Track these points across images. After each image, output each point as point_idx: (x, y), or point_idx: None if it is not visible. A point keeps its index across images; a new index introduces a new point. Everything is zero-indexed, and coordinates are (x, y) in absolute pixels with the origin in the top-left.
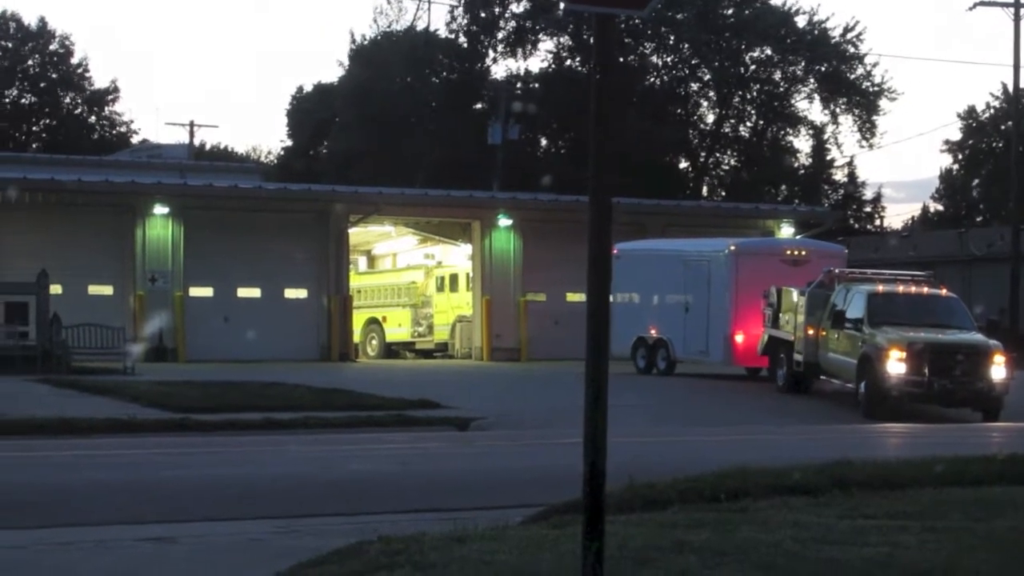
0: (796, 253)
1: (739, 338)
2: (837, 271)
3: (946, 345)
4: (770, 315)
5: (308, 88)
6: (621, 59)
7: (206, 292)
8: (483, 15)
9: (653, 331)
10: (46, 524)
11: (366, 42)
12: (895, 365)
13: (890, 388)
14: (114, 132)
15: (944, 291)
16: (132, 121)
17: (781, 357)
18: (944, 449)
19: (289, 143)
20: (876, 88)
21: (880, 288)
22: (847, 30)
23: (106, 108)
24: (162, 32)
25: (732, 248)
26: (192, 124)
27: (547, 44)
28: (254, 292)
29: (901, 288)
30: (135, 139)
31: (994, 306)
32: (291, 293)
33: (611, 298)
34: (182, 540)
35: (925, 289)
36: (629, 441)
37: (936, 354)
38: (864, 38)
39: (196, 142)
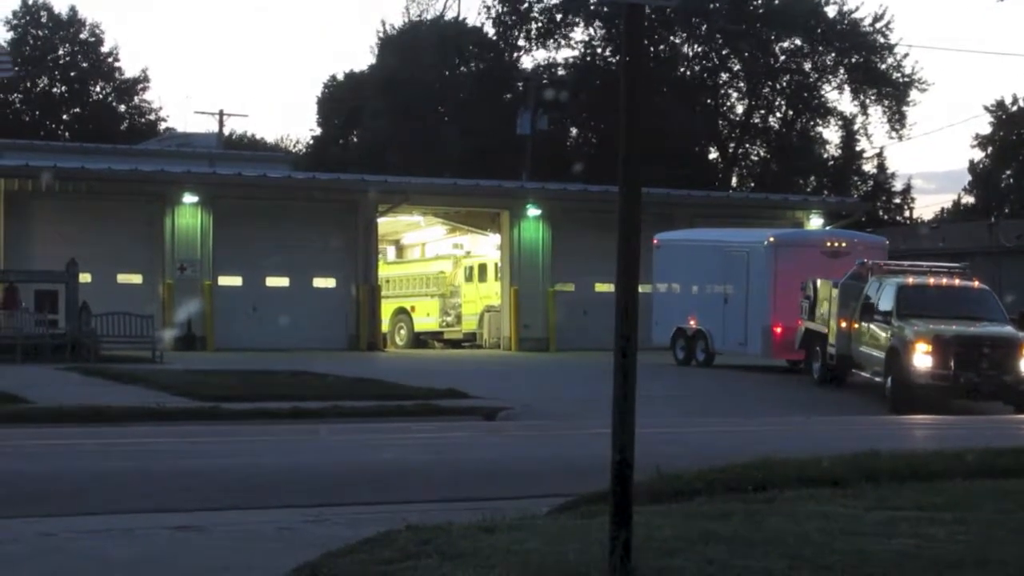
0: (836, 244)
1: (778, 330)
2: (871, 263)
3: (973, 337)
4: (807, 307)
5: (339, 77)
6: (652, 49)
7: (235, 281)
8: (515, 4)
9: (692, 322)
10: (76, 512)
11: (396, 31)
12: (921, 358)
13: (916, 381)
14: (143, 121)
15: (976, 283)
16: (161, 109)
17: (816, 350)
18: (972, 442)
19: (319, 132)
20: (906, 79)
21: (910, 280)
22: (876, 20)
23: (136, 97)
24: (192, 21)
25: (771, 239)
26: (221, 113)
27: (579, 34)
28: (283, 281)
29: (932, 280)
30: (164, 128)
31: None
32: (320, 282)
33: (651, 288)
34: (212, 529)
35: (957, 281)
36: (658, 432)
37: (962, 347)
38: (894, 28)
39: (226, 131)
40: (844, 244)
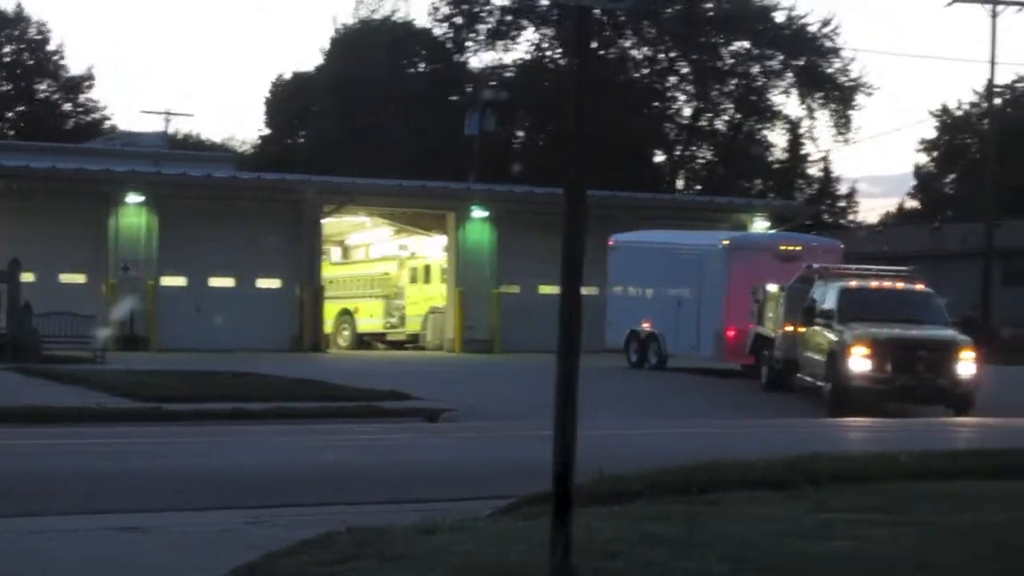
0: (790, 248)
1: (731, 334)
2: (818, 267)
3: (910, 340)
4: (756, 311)
5: (287, 77)
6: (601, 52)
7: (179, 281)
8: (466, 6)
9: (646, 325)
10: (16, 513)
11: (345, 32)
12: (859, 361)
13: (854, 384)
14: (89, 120)
15: (920, 286)
16: (106, 108)
17: (765, 354)
18: (909, 444)
19: (266, 132)
20: (852, 83)
21: (852, 284)
22: (824, 24)
23: (81, 95)
24: (139, 19)
25: (725, 242)
26: (167, 112)
27: (527, 36)
28: (227, 281)
29: (875, 284)
30: (110, 127)
31: (967, 302)
32: (264, 283)
33: (597, 290)
34: (152, 530)
35: (900, 285)
36: (603, 434)
37: (899, 349)
38: (840, 32)
39: (171, 131)
40: (799, 248)
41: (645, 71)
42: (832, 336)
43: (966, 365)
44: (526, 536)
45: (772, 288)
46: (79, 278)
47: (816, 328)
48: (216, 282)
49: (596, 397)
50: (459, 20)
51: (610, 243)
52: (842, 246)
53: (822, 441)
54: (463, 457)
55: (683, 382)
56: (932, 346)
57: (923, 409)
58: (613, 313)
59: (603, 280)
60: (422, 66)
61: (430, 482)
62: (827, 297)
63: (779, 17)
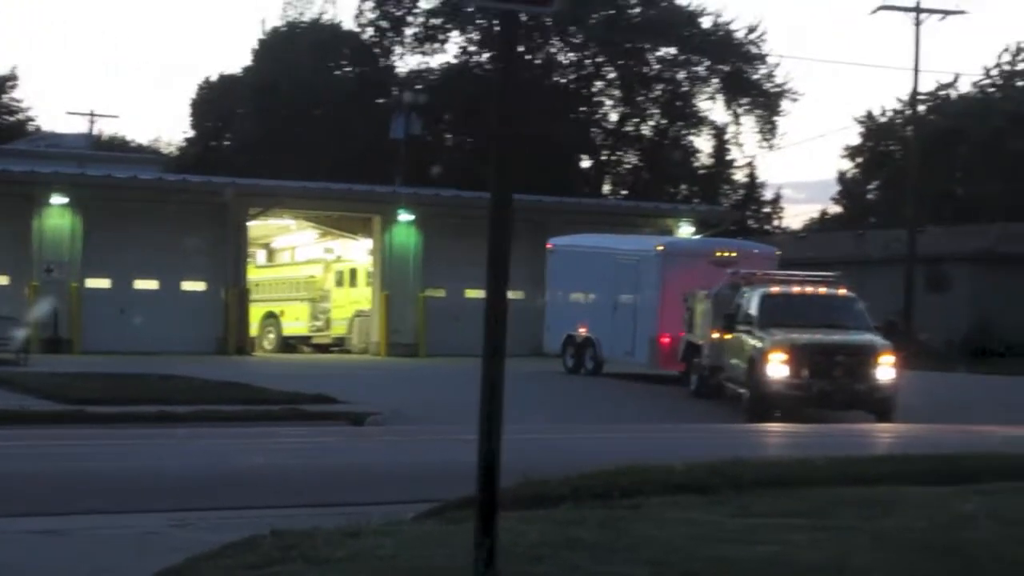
0: (725, 254)
1: (665, 341)
2: (744, 272)
3: (827, 345)
4: (687, 318)
5: (213, 79)
6: (527, 56)
7: (103, 283)
8: (391, 10)
9: (582, 330)
10: None
11: (271, 33)
12: (776, 367)
13: (771, 390)
14: (12, 120)
15: (843, 291)
16: (30, 108)
17: (695, 361)
18: (829, 451)
19: (192, 134)
20: (778, 89)
21: (774, 289)
22: (750, 31)
23: (4, 96)
24: (63, 19)
25: (660, 248)
26: (92, 114)
27: (454, 40)
28: (151, 284)
29: (797, 289)
30: (34, 128)
31: (890, 308)
32: (189, 285)
33: (546, 294)
34: (75, 533)
35: (822, 290)
36: (529, 438)
37: (817, 355)
38: (767, 39)
39: (96, 132)
40: (734, 254)
41: (572, 76)
42: (753, 342)
43: (885, 370)
44: (450, 540)
45: (700, 294)
46: (2, 280)
47: (738, 334)
48: (141, 284)
49: (526, 401)
50: (384, 24)
51: (548, 246)
52: (778, 252)
53: (744, 447)
54: (388, 461)
55: (615, 388)
56: (850, 351)
57: (845, 415)
58: (551, 317)
59: (531, 284)
60: (348, 69)
61: (355, 486)
62: (750, 303)
63: (705, 23)
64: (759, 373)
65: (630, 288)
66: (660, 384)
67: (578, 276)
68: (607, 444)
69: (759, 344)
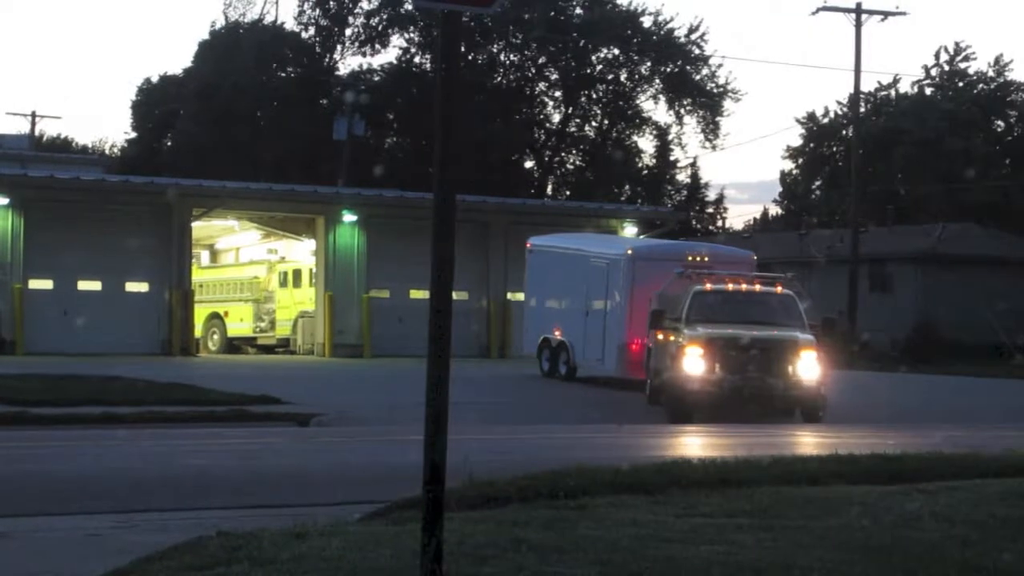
0: (698, 258)
1: (634, 347)
2: (688, 272)
3: (739, 339)
4: (649, 323)
5: (154, 80)
6: (469, 57)
7: (46, 284)
8: (332, 10)
9: (557, 333)
10: None
11: (213, 34)
12: (691, 362)
13: (687, 387)
14: None
15: (779, 288)
16: None
17: (646, 365)
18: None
19: (133, 135)
20: (720, 89)
21: (707, 286)
22: (692, 31)
23: None
24: (5, 18)
25: (629, 251)
26: (34, 115)
27: (396, 40)
28: (95, 285)
29: (730, 286)
30: None
31: (834, 308)
32: (132, 287)
33: (525, 294)
34: (17, 535)
35: (757, 287)
36: (472, 439)
37: (731, 349)
38: (709, 39)
39: (38, 133)
40: (706, 258)
41: (514, 77)
42: (676, 339)
43: (807, 366)
44: (396, 541)
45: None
46: None
47: (669, 333)
48: (84, 285)
49: (478, 403)
50: (325, 24)
51: (527, 246)
52: (754, 256)
53: (680, 447)
54: (334, 462)
55: (578, 391)
56: (765, 345)
57: (773, 416)
58: (528, 318)
59: (476, 285)
60: (291, 70)
61: (301, 487)
62: (683, 301)
63: (646, 23)
64: (675, 370)
65: (601, 292)
66: (628, 390)
67: (554, 277)
68: (559, 446)
69: (679, 341)
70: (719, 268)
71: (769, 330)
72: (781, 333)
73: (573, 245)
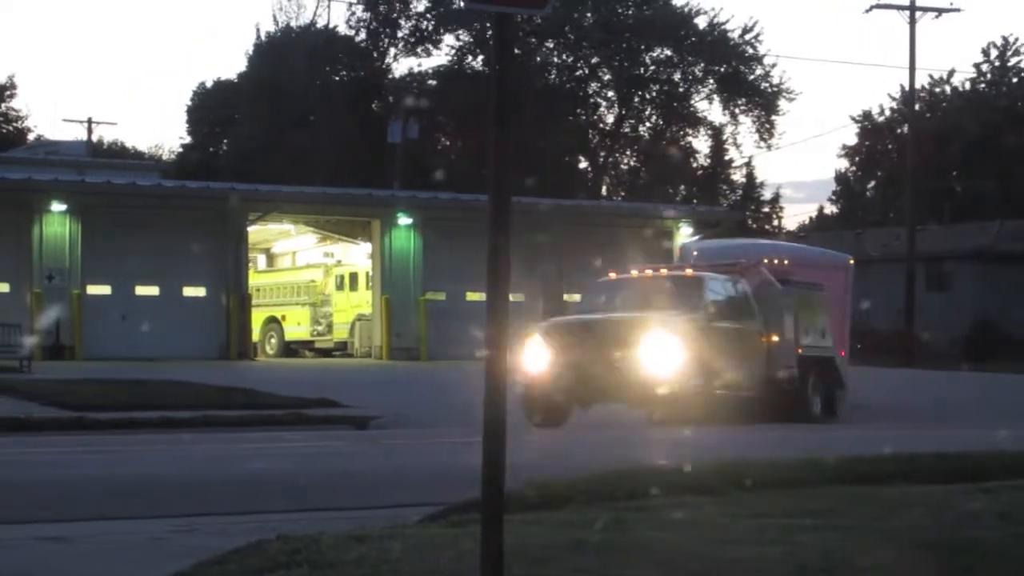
0: (776, 262)
1: None
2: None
3: (572, 324)
4: None
5: (209, 85)
6: (522, 58)
7: (104, 290)
8: (383, 13)
9: None
10: None
11: (266, 39)
12: (532, 353)
13: (529, 385)
14: (11, 129)
15: (688, 271)
16: (28, 117)
17: None
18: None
19: (189, 140)
20: (774, 89)
21: (611, 275)
22: (746, 31)
23: (2, 104)
24: (60, 27)
25: (695, 253)
26: (90, 121)
27: (448, 41)
28: (152, 290)
29: (635, 272)
30: (32, 136)
31: (892, 307)
32: (190, 291)
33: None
34: (79, 539)
35: (663, 271)
36: (530, 439)
37: (563, 336)
38: (763, 39)
39: (94, 139)
40: (786, 261)
41: (567, 78)
42: None
43: (655, 352)
44: (456, 543)
45: None
46: (3, 287)
47: None
48: (142, 290)
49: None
50: (375, 26)
51: (693, 253)
52: (851, 261)
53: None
54: (392, 464)
55: None
56: (606, 330)
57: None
58: None
59: (530, 287)
60: (344, 73)
61: (359, 490)
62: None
63: (700, 23)
64: (523, 364)
65: None
66: None
67: None
68: (603, 445)
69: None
70: (801, 274)
71: (628, 313)
72: (629, 315)
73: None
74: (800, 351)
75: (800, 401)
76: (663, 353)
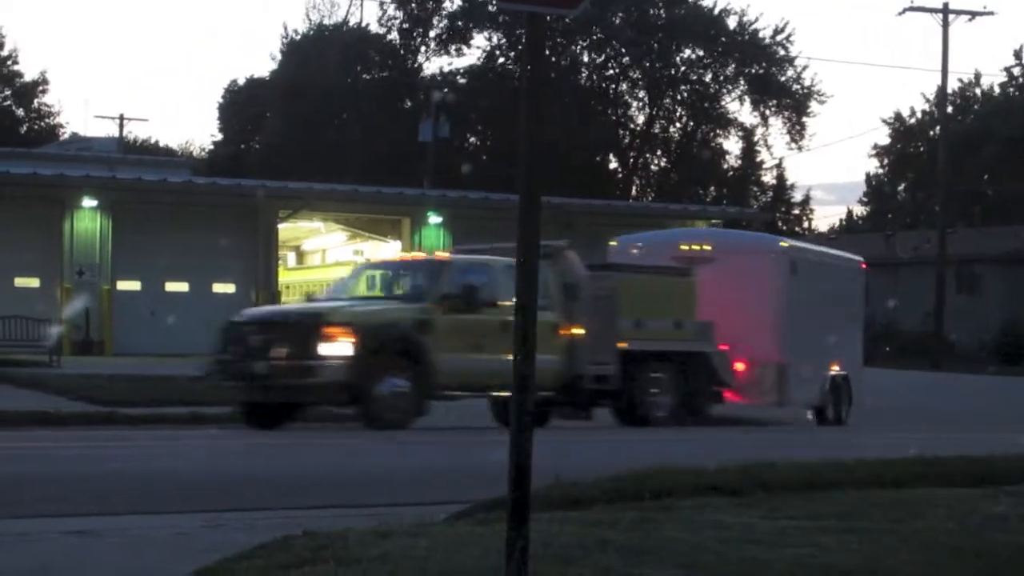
0: (694, 248)
1: None
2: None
3: (238, 323)
4: None
5: (240, 82)
6: (552, 58)
7: (134, 286)
8: (414, 12)
9: None
10: None
11: (299, 37)
12: (215, 346)
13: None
14: (43, 125)
15: (439, 255)
16: (60, 113)
17: None
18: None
19: (220, 137)
20: (805, 90)
21: (374, 259)
22: (777, 32)
23: (35, 100)
24: (92, 24)
25: (613, 243)
26: (122, 117)
27: (479, 41)
28: (182, 286)
29: (394, 257)
30: (64, 132)
31: (920, 310)
32: (219, 288)
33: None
34: (107, 533)
35: (415, 255)
36: (556, 439)
37: (233, 331)
38: (794, 40)
39: (125, 136)
40: (707, 247)
41: (597, 77)
42: None
43: (322, 350)
44: (482, 541)
45: None
46: (33, 282)
47: None
48: (171, 287)
49: None
50: (408, 26)
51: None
52: (784, 244)
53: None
54: (418, 462)
55: None
56: (266, 325)
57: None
58: None
59: None
60: (375, 72)
61: (385, 486)
62: None
63: (731, 24)
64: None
65: None
66: None
67: None
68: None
69: None
70: (725, 260)
71: (375, 304)
72: (306, 307)
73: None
74: (625, 345)
75: (629, 401)
76: (325, 348)
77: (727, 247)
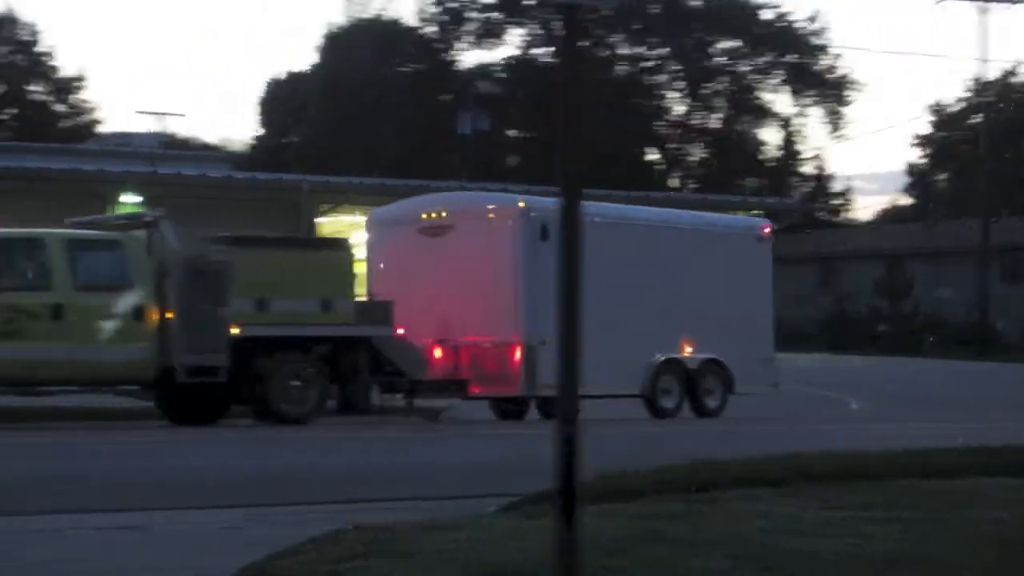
0: (433, 216)
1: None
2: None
3: None
4: None
5: (281, 78)
6: (590, 50)
7: None
8: (452, 4)
9: None
10: (10, 512)
11: (337, 31)
12: None
13: None
14: (82, 121)
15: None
16: (99, 109)
17: None
18: None
19: (260, 132)
20: (842, 80)
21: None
22: (812, 21)
23: (74, 96)
24: (130, 20)
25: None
26: (161, 113)
27: (517, 33)
28: None
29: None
30: (103, 128)
31: (964, 299)
32: None
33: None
34: (154, 528)
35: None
36: (603, 432)
37: None
38: (830, 30)
39: (166, 131)
40: (443, 213)
41: (634, 68)
42: None
43: None
44: (531, 534)
45: None
46: None
47: None
48: None
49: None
50: (445, 19)
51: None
52: (522, 204)
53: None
54: (464, 455)
55: None
56: None
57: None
58: None
59: None
60: (412, 65)
61: (433, 480)
62: None
63: (767, 15)
64: None
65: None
66: None
67: None
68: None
69: None
70: (466, 225)
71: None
72: None
73: None
74: (238, 331)
75: (259, 396)
76: None
77: (464, 212)
